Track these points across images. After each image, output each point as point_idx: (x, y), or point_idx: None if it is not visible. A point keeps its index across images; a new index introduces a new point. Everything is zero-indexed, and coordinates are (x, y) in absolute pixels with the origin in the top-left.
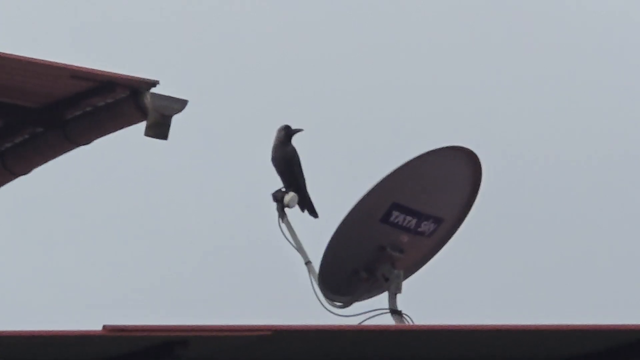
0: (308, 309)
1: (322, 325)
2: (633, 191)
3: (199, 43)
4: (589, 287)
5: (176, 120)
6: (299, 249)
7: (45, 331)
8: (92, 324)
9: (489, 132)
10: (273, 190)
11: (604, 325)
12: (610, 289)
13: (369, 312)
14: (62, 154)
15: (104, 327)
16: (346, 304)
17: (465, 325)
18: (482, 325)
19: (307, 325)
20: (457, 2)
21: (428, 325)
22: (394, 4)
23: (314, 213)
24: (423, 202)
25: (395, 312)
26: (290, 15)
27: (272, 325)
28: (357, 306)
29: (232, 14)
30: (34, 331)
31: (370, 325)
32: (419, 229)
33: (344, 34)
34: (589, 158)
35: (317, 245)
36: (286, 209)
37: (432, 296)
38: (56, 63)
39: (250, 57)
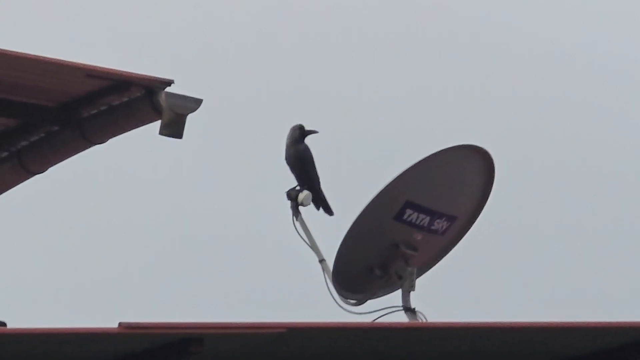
0: (322, 306)
1: (336, 323)
2: None
3: (214, 43)
4: (605, 282)
5: (191, 119)
6: (313, 247)
7: (63, 328)
8: (107, 320)
9: (502, 130)
10: (287, 189)
11: (615, 323)
12: (628, 287)
13: (383, 309)
14: (78, 152)
15: (120, 324)
16: (360, 302)
17: (478, 323)
18: (495, 323)
19: (321, 323)
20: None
21: (441, 323)
22: (402, 5)
23: (329, 211)
24: (436, 200)
25: (408, 309)
26: (303, 16)
27: (287, 323)
28: (371, 304)
29: (246, 15)
30: (51, 328)
31: (384, 323)
32: (432, 227)
33: (359, 34)
34: (600, 152)
35: (331, 243)
36: (300, 207)
37: (446, 294)
38: (72, 62)
39: (265, 57)
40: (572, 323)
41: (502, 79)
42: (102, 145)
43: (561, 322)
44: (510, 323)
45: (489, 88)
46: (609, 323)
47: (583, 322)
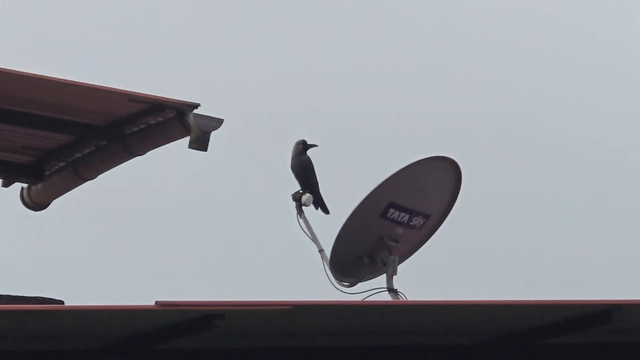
0: (321, 287)
1: (333, 301)
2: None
3: (235, 73)
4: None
5: (214, 135)
6: (314, 239)
7: (110, 306)
8: (142, 298)
9: (469, 144)
10: (292, 192)
11: (561, 301)
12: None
13: (371, 290)
14: (121, 162)
15: (157, 302)
16: (352, 284)
17: (449, 301)
18: (462, 301)
19: (320, 301)
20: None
21: (418, 301)
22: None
23: (326, 210)
24: (414, 201)
25: (391, 290)
26: (305, 42)
27: (293, 301)
28: (361, 286)
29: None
30: (101, 306)
31: (372, 301)
32: (411, 223)
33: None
34: (551, 161)
35: (328, 237)
36: (303, 207)
37: (422, 277)
38: (117, 89)
39: (267, 84)
40: (525, 301)
41: (471, 101)
42: (141, 156)
43: (516, 300)
44: (473, 301)
45: (459, 108)
46: (558, 301)
47: (535, 300)
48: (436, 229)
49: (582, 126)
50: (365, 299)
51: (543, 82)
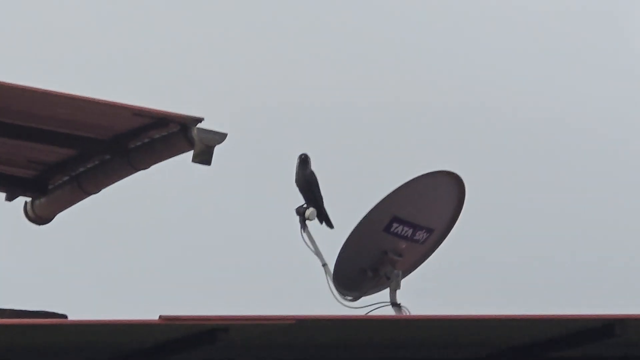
0: (325, 302)
1: (336, 315)
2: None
3: (238, 86)
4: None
5: (218, 149)
6: (317, 253)
7: (113, 320)
8: (144, 309)
9: (473, 159)
10: (296, 206)
11: (563, 315)
12: (573, 286)
13: (374, 304)
14: (125, 176)
15: (160, 316)
16: (355, 298)
17: (452, 315)
18: (465, 315)
19: (324, 315)
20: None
21: (422, 315)
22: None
23: (330, 224)
24: (418, 216)
25: (395, 304)
26: (303, 58)
27: (296, 315)
28: (364, 300)
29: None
30: (104, 320)
31: (375, 316)
32: (415, 237)
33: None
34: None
35: (332, 251)
36: (307, 222)
37: (425, 291)
38: (121, 103)
39: (270, 97)
40: (527, 315)
41: (475, 111)
42: (145, 170)
43: (517, 314)
44: (477, 315)
45: (463, 122)
46: (560, 315)
47: (536, 314)
48: (440, 243)
49: (589, 136)
50: (369, 313)
51: (546, 90)
